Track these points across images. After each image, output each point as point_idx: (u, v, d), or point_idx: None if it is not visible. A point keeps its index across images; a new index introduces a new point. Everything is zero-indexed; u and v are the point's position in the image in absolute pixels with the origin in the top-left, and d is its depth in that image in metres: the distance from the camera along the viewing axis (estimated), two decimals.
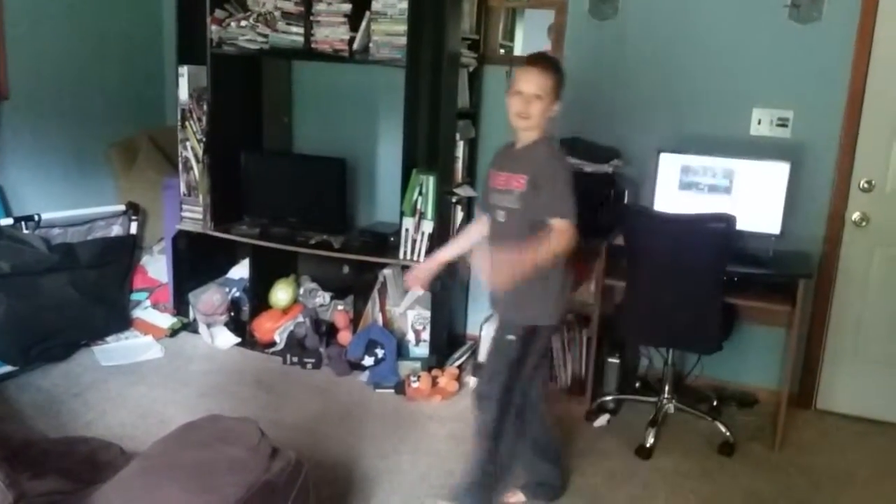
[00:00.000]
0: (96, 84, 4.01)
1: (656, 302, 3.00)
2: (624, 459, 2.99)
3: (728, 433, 3.06)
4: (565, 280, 2.42)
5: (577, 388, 3.48)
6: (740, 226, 2.82)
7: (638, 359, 3.65)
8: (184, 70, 3.77)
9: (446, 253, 2.65)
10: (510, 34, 3.90)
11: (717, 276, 2.88)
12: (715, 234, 2.81)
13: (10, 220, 3.44)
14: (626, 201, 3.40)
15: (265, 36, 3.65)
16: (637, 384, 3.55)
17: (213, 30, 3.70)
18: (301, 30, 3.58)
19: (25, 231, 3.48)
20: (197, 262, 3.97)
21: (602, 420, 3.27)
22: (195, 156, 3.83)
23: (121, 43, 4.15)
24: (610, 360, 3.38)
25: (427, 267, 2.64)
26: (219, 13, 3.70)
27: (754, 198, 3.16)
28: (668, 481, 2.84)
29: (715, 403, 3.39)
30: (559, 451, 2.75)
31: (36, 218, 3.54)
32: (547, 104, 2.31)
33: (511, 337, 2.40)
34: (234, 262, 4.10)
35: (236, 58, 3.77)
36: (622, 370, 3.40)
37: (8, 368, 3.33)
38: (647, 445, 3.01)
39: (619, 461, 2.97)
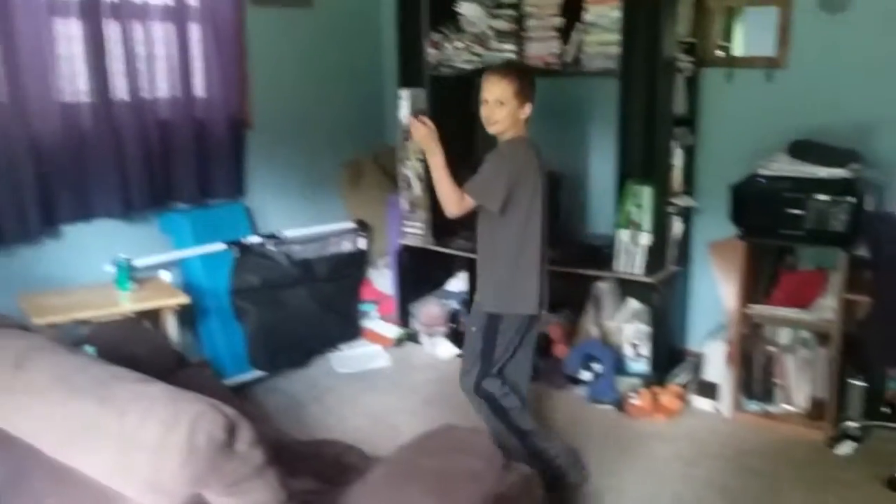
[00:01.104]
0: (325, 111, 4.35)
1: None
2: (873, 492, 2.73)
3: None
4: (518, 272, 2.58)
5: (816, 413, 3.22)
6: None
7: (887, 381, 3.31)
8: (404, 93, 3.98)
9: None
10: (728, 35, 3.72)
11: None
12: None
13: (257, 238, 3.81)
14: (869, 208, 3.10)
15: (479, 55, 3.77)
16: (887, 409, 3.22)
17: (431, 53, 3.88)
18: (513, 47, 3.65)
19: (271, 248, 3.84)
20: (418, 275, 4.17)
21: (846, 447, 3.01)
22: (416, 174, 4.03)
23: (346, 72, 4.46)
24: (853, 381, 3.10)
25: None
26: (435, 37, 3.87)
27: None
28: None
29: None
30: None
31: (278, 235, 3.91)
32: (513, 108, 2.52)
33: (473, 328, 2.65)
34: (452, 274, 4.26)
35: (452, 78, 3.92)
36: (868, 393, 3.10)
37: (258, 374, 3.69)
38: None
39: (867, 493, 2.72)
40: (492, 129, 2.59)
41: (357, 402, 3.48)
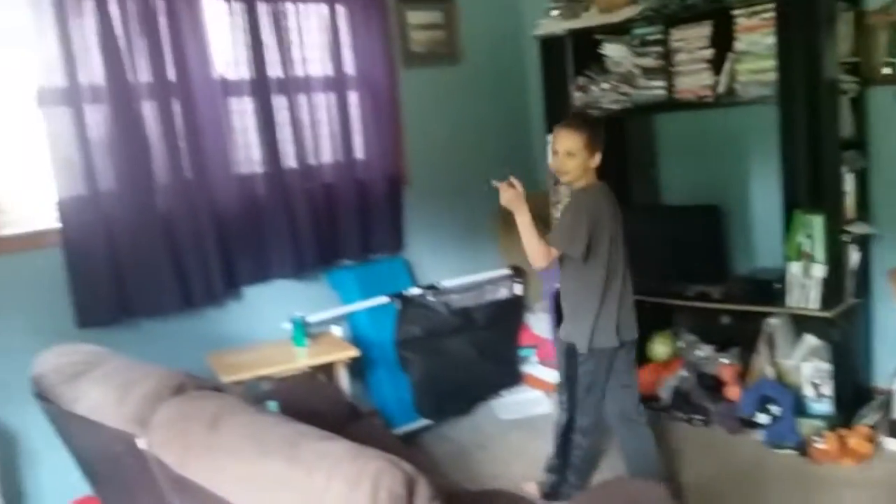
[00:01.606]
0: (476, 161, 4.43)
1: None
2: None
3: None
4: (603, 309, 2.72)
5: None
6: None
7: None
8: (552, 138, 4.01)
9: None
10: (895, 51, 3.48)
11: None
12: None
13: (417, 290, 3.94)
14: None
15: (627, 94, 3.75)
16: None
17: (577, 96, 3.90)
18: (662, 83, 3.61)
19: (430, 298, 3.96)
20: None
21: None
22: None
23: (495, 121, 4.56)
24: None
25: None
26: (581, 80, 3.90)
27: None
28: None
29: None
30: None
31: (437, 286, 4.02)
32: (583, 159, 2.64)
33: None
34: None
35: (600, 119, 3.91)
36: None
37: (425, 422, 3.79)
38: None
39: None
40: (564, 179, 2.78)
41: (522, 448, 3.48)
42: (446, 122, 4.31)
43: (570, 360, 2.81)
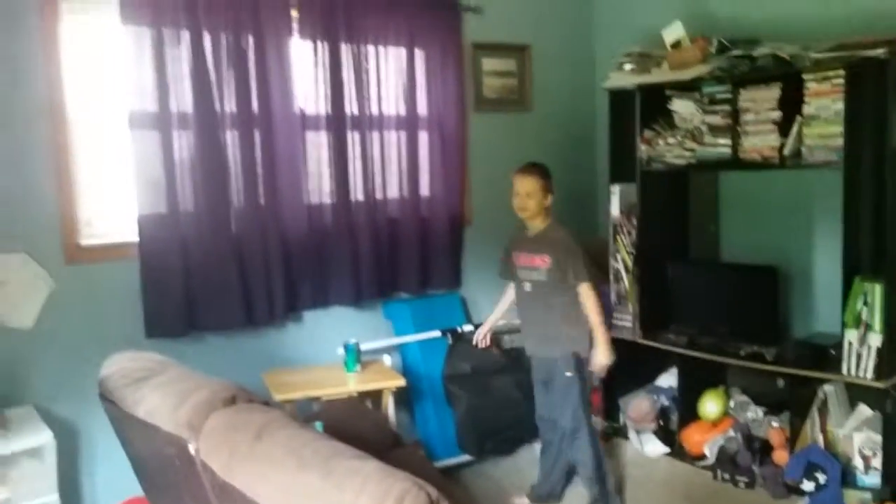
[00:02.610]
0: None
1: None
2: None
3: None
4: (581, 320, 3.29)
5: None
6: None
7: None
8: (616, 188, 4.08)
9: (493, 317, 3.60)
10: None
11: None
12: None
13: (471, 327, 4.02)
14: None
15: (692, 150, 3.78)
16: None
17: (643, 150, 3.96)
18: (728, 141, 3.63)
19: None
20: (626, 368, 4.12)
21: None
22: (625, 267, 4.07)
23: (560, 168, 4.50)
24: None
25: (485, 329, 3.58)
26: (648, 134, 3.95)
27: None
28: None
29: None
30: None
31: None
32: (539, 199, 3.24)
33: (569, 373, 3.24)
34: (662, 369, 4.18)
35: (664, 173, 3.96)
36: None
37: (466, 458, 3.83)
38: None
39: None
40: (523, 215, 3.29)
41: (566, 493, 3.49)
42: (511, 167, 4.39)
43: (580, 370, 3.25)
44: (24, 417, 2.86)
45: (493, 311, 3.61)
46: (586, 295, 3.22)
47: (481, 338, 3.56)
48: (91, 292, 3.15)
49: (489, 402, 3.90)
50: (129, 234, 3.22)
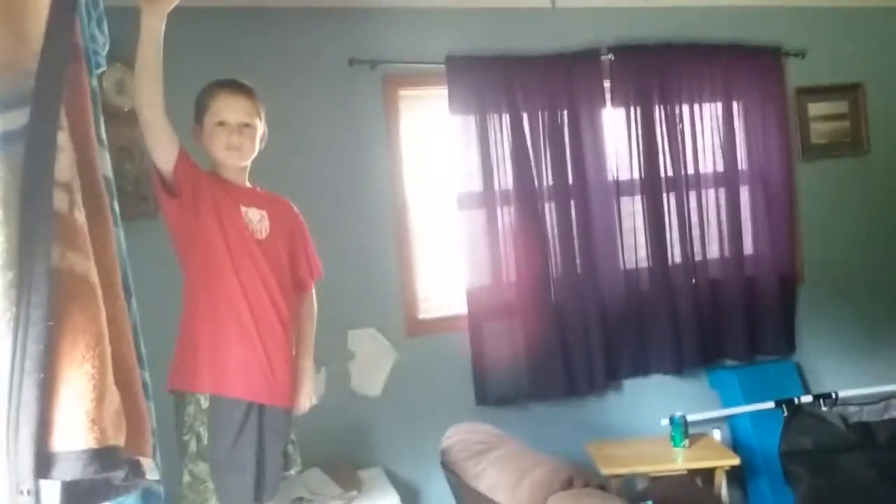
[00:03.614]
0: (888, 259, 4.02)
1: None
2: None
3: None
4: None
5: None
6: None
7: None
8: None
9: None
10: None
11: None
12: None
13: (809, 398, 3.64)
14: None
15: None
16: None
17: None
18: None
19: (823, 408, 3.63)
20: None
21: None
22: None
23: None
24: None
25: None
26: None
27: None
28: None
29: None
30: None
31: (833, 395, 3.67)
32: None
33: None
34: None
35: None
36: None
37: None
38: None
39: None
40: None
41: None
42: (849, 217, 3.99)
43: None
44: (374, 479, 3.14)
45: None
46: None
47: None
48: (428, 362, 3.41)
49: (837, 483, 3.46)
50: (460, 306, 3.45)
